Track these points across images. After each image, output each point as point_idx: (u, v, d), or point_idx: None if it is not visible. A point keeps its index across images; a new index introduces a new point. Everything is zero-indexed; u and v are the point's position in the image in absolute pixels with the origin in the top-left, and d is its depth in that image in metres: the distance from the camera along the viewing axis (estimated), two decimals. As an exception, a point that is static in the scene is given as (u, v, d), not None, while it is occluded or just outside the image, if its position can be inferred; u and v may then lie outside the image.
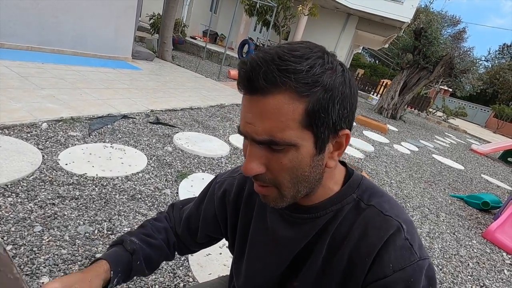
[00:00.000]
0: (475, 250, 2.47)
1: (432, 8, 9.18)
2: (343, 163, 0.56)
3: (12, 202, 1.42)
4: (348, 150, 4.10)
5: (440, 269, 2.04)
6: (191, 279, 1.33)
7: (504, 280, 2.17)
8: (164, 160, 2.27)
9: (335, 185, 0.52)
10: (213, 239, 0.70)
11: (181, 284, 1.28)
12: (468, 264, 2.22)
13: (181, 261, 1.40)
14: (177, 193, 1.92)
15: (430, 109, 13.74)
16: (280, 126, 0.40)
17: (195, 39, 11.23)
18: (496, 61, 11.25)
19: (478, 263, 2.29)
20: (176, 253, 0.71)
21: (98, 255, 1.28)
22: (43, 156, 1.83)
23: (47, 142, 2.01)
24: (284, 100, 0.39)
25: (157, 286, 1.24)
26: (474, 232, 2.81)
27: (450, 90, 15.58)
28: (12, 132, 1.98)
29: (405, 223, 0.47)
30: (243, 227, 0.61)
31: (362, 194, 0.51)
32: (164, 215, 0.72)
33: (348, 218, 0.49)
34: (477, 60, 8.42)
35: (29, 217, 1.37)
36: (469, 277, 2.07)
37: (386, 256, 0.44)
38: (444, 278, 1.96)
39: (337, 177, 0.52)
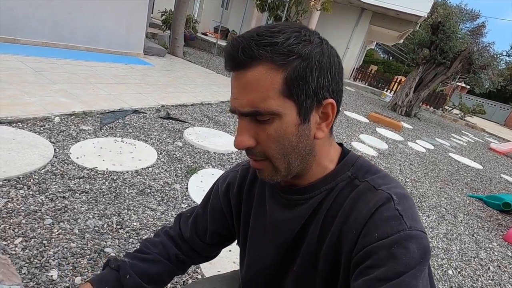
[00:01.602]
0: (495, 253, 2.35)
1: (450, 2, 8.84)
2: (340, 144, 0.56)
3: (23, 195, 1.42)
4: (361, 147, 4.00)
5: (459, 272, 1.95)
6: (200, 276, 1.30)
7: (528, 285, 2.05)
8: (174, 155, 2.25)
9: (330, 164, 0.51)
10: (224, 239, 0.68)
11: (190, 281, 1.26)
12: (489, 268, 2.12)
13: (190, 258, 1.37)
14: (187, 188, 1.90)
15: (446, 107, 13.31)
16: (261, 97, 0.42)
17: (206, 35, 11.22)
18: (518, 57, 10.77)
19: (500, 266, 2.18)
20: (185, 265, 0.69)
21: (106, 250, 1.27)
22: (54, 149, 1.84)
23: (59, 135, 2.02)
24: (262, 71, 0.41)
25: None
26: (495, 234, 2.69)
27: (468, 87, 15.05)
28: (25, 126, 2.00)
29: (396, 195, 0.45)
30: (245, 217, 0.60)
31: (357, 171, 0.50)
32: (165, 229, 0.71)
33: (343, 196, 0.49)
34: (498, 55, 8.06)
35: (40, 210, 1.37)
36: (489, 281, 1.97)
37: (372, 226, 0.43)
38: (463, 282, 1.87)
39: (333, 155, 0.52)
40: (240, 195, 0.61)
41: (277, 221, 0.54)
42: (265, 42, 0.40)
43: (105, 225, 1.40)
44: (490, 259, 2.25)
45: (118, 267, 0.60)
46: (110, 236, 1.35)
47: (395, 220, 0.42)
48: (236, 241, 0.68)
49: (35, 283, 1.05)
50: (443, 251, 2.15)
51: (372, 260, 0.40)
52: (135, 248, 0.67)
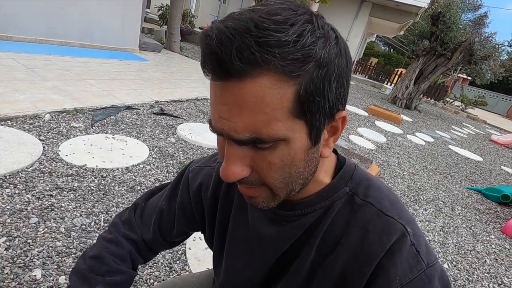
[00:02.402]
0: (493, 246, 2.33)
1: (451, -9, 8.68)
2: (334, 151, 0.47)
3: (9, 193, 1.40)
4: (359, 141, 3.97)
5: (455, 266, 1.93)
6: (188, 274, 1.29)
7: (525, 278, 2.03)
8: (167, 151, 2.23)
9: (325, 176, 0.44)
10: (187, 235, 0.63)
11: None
12: (485, 261, 2.10)
13: (178, 255, 1.35)
14: (178, 184, 1.88)
15: (448, 99, 13.19)
16: (266, 119, 0.31)
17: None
18: (520, 47, 10.62)
19: (497, 259, 2.16)
20: (136, 267, 0.62)
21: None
22: (43, 147, 1.82)
23: (49, 133, 2.00)
24: (268, 84, 0.30)
25: (152, 280, 1.20)
26: (493, 227, 2.66)
27: (469, 78, 14.89)
28: (14, 124, 1.98)
29: (409, 225, 0.40)
30: (221, 222, 0.54)
31: (356, 187, 0.43)
32: (122, 232, 0.59)
33: (342, 216, 0.42)
34: (500, 46, 7.94)
35: (26, 209, 1.35)
36: (486, 274, 1.95)
37: (391, 267, 0.37)
38: (459, 275, 1.85)
39: (327, 166, 0.44)
40: (215, 199, 0.54)
41: (262, 236, 0.48)
42: (270, 41, 0.29)
43: (93, 223, 1.39)
44: (487, 252, 2.22)
45: None
46: (97, 234, 1.33)
47: (414, 259, 0.38)
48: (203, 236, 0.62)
49: (17, 283, 1.03)
50: (439, 244, 2.13)
51: None
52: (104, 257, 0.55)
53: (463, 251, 2.13)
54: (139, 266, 0.63)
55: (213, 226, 0.56)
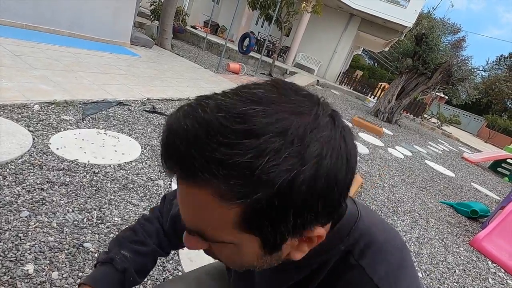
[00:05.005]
0: (462, 258, 2.50)
1: (434, 15, 9.19)
2: None
3: (-2, 185, 1.37)
4: (343, 151, 4.10)
5: (428, 275, 2.06)
6: (180, 273, 1.31)
7: (488, 288, 2.20)
8: (159, 150, 2.22)
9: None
10: None
11: (170, 278, 1.26)
12: (455, 271, 2.25)
13: (171, 255, 1.37)
14: (170, 184, 1.89)
15: (425, 115, 13.87)
16: (209, 224, 0.31)
17: (196, 28, 11.07)
18: (493, 72, 11.38)
19: (465, 270, 2.33)
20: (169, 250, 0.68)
21: (86, 244, 1.25)
22: (33, 138, 1.77)
23: (39, 124, 1.95)
24: (209, 197, 0.28)
25: (146, 279, 1.22)
26: (462, 240, 2.86)
27: (446, 97, 15.73)
28: (2, 112, 1.91)
29: None
30: None
31: (354, 244, 0.39)
32: (157, 214, 0.66)
33: (335, 275, 0.40)
34: (475, 70, 8.50)
35: (16, 202, 1.32)
36: (455, 283, 2.10)
37: None
38: (431, 284, 1.98)
39: None
40: None
41: (260, 274, 0.47)
42: (215, 158, 0.26)
43: (85, 220, 1.38)
44: (457, 263, 2.39)
45: (125, 269, 0.56)
46: (89, 231, 1.33)
47: None
48: None
49: (9, 277, 1.02)
50: (414, 254, 2.26)
51: None
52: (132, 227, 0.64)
53: (435, 261, 2.28)
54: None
55: None
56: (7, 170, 1.48)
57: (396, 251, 0.40)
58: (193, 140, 0.26)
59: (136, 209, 1.57)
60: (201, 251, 0.38)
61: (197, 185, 0.28)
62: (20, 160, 1.57)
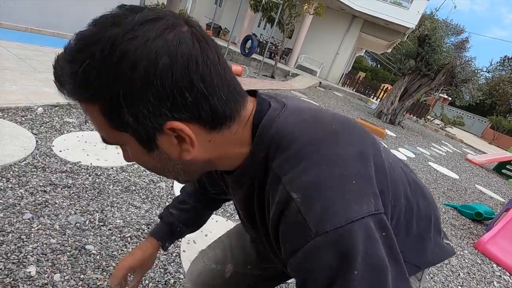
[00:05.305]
0: (466, 260, 2.48)
1: (437, 16, 9.17)
2: (252, 93, 0.45)
3: (2, 187, 1.38)
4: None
5: (432, 278, 2.04)
6: (182, 276, 1.31)
7: (494, 292, 2.18)
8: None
9: (243, 147, 0.43)
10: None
11: (172, 281, 1.26)
12: (459, 274, 2.23)
13: (172, 257, 1.37)
14: (172, 186, 1.89)
15: (429, 117, 13.80)
16: (99, 128, 0.38)
17: (198, 31, 11.09)
18: (497, 73, 11.31)
19: (469, 273, 2.30)
20: (210, 208, 0.84)
21: (88, 247, 1.26)
22: (37, 141, 1.79)
23: (42, 127, 1.97)
24: (84, 105, 0.36)
25: (147, 281, 1.22)
26: (466, 242, 2.83)
27: (449, 98, 15.66)
28: (6, 115, 1.93)
29: (299, 190, 0.35)
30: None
31: (268, 148, 0.40)
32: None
33: (264, 183, 0.42)
34: (478, 71, 8.44)
35: (19, 204, 1.33)
36: (459, 287, 2.07)
37: (282, 239, 0.38)
38: (435, 287, 1.96)
39: (243, 137, 0.42)
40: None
41: (235, 198, 0.55)
42: (61, 75, 0.35)
43: (87, 222, 1.38)
44: (461, 266, 2.36)
45: (170, 223, 0.76)
46: (92, 233, 1.33)
47: (299, 228, 0.35)
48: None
49: (12, 279, 1.02)
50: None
51: (297, 280, 0.37)
52: (170, 203, 0.83)
53: (439, 264, 2.25)
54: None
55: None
56: (11, 172, 1.49)
57: (304, 143, 0.38)
58: (58, 61, 0.36)
59: (138, 211, 1.57)
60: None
61: (75, 98, 0.36)
62: (24, 162, 1.59)
